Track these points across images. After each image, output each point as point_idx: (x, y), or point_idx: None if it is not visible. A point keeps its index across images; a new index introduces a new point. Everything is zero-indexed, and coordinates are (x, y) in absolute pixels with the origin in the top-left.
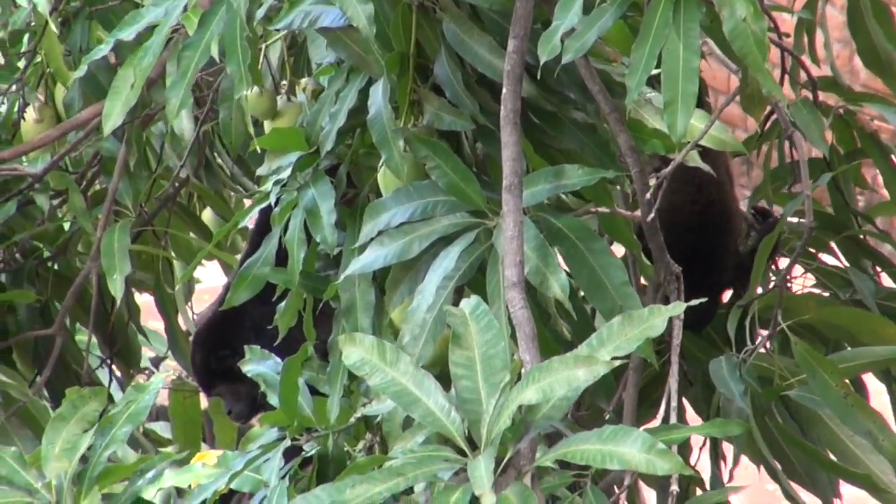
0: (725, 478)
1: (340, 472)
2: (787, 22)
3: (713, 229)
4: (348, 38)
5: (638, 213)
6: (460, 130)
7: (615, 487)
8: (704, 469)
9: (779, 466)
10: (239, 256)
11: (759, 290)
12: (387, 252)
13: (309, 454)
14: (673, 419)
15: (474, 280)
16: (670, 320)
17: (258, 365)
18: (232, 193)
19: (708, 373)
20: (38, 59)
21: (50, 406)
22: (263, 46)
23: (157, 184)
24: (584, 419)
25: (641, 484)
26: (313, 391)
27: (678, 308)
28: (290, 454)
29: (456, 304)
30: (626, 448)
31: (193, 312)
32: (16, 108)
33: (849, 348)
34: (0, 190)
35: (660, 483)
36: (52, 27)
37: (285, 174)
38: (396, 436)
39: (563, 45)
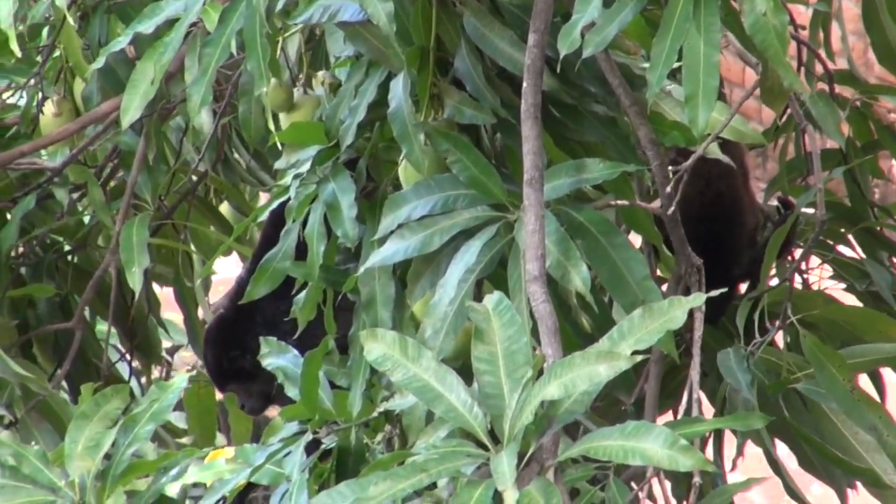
0: (728, 467)
1: (361, 465)
2: (803, 14)
3: (722, 222)
4: (368, 33)
5: (655, 204)
6: (481, 124)
7: (633, 483)
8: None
9: (781, 460)
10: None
11: (775, 282)
12: (407, 245)
13: (328, 447)
14: (694, 412)
15: (495, 274)
16: (690, 312)
17: (277, 358)
18: (249, 187)
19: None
20: (57, 53)
21: (70, 399)
22: (281, 39)
23: (177, 177)
24: (600, 409)
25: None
26: (331, 384)
27: (698, 300)
28: (309, 448)
29: (476, 297)
30: (647, 444)
31: (209, 303)
32: (35, 102)
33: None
34: (19, 184)
35: (674, 474)
36: (71, 21)
37: (304, 168)
38: (417, 429)
39: (584, 39)
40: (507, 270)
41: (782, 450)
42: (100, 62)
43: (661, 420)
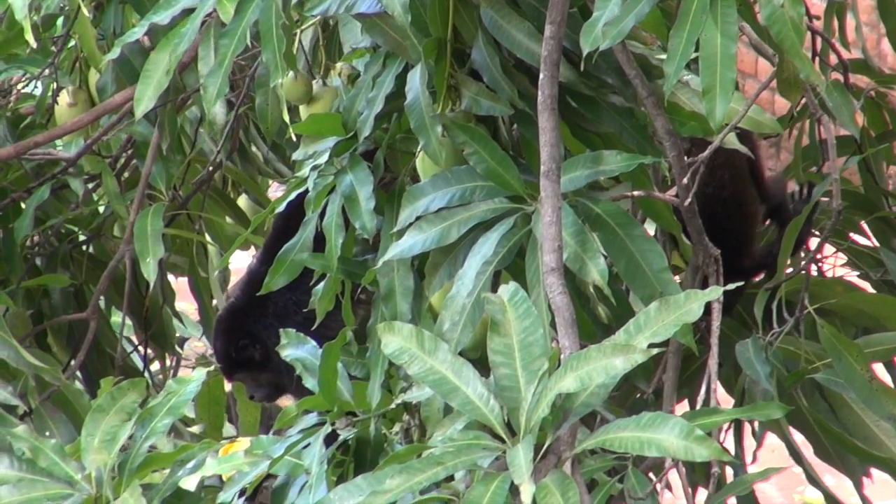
0: (748, 458)
1: (379, 456)
2: (817, 5)
3: (724, 213)
4: (385, 24)
5: (670, 193)
6: (498, 115)
7: (651, 475)
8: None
9: (800, 449)
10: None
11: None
12: (426, 237)
13: (347, 438)
14: (711, 402)
15: (513, 265)
16: (708, 303)
17: (296, 349)
18: (264, 178)
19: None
20: (72, 43)
21: (84, 389)
22: (298, 31)
23: (192, 168)
24: (618, 398)
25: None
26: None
27: (715, 292)
28: (328, 439)
29: (494, 289)
30: (664, 435)
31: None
32: (49, 93)
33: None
34: (34, 174)
35: (692, 463)
36: (85, 12)
37: (322, 159)
38: (435, 420)
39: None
40: (525, 262)
41: (797, 439)
42: (115, 52)
43: (679, 409)
